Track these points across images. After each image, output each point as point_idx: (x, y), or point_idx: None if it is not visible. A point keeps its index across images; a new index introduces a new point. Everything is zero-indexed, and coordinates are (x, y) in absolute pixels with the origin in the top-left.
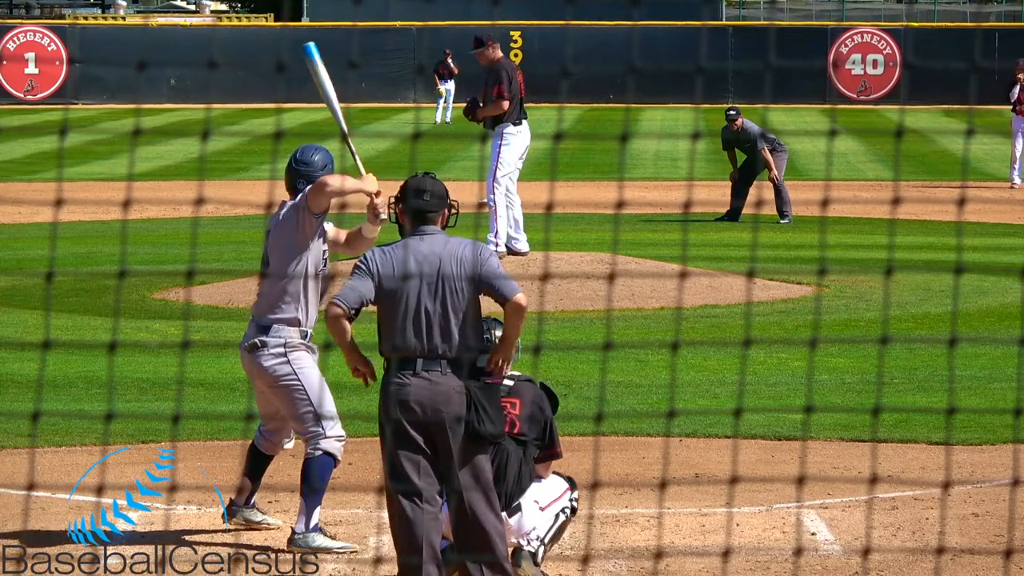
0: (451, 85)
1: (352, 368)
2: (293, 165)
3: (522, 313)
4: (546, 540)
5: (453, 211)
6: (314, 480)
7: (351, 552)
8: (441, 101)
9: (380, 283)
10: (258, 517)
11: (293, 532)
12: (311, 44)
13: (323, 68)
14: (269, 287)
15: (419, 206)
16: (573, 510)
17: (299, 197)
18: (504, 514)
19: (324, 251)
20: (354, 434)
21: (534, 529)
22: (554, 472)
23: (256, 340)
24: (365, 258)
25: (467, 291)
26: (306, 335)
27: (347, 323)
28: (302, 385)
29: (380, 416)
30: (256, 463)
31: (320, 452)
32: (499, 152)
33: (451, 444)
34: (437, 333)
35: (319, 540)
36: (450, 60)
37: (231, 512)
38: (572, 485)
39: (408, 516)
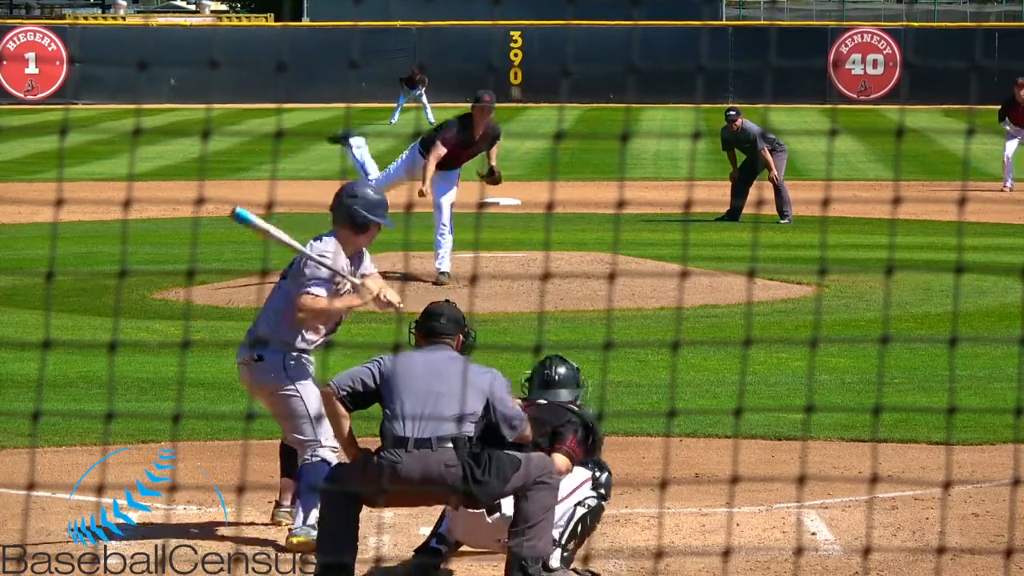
0: (421, 90)
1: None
2: (346, 201)
3: (524, 440)
4: (562, 540)
5: (469, 339)
6: (309, 485)
7: None
8: (426, 102)
9: (384, 382)
10: None
11: (290, 530)
12: (238, 209)
13: (260, 220)
14: (272, 303)
15: (431, 327)
16: (601, 497)
17: (301, 287)
18: (484, 513)
19: (338, 280)
20: None
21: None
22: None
23: (254, 354)
24: (376, 359)
25: (471, 409)
26: (305, 349)
27: (339, 405)
28: (299, 395)
29: (365, 454)
30: (291, 460)
31: (317, 459)
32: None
33: (450, 502)
34: (433, 425)
35: (315, 534)
36: (416, 72)
37: (277, 513)
38: (598, 471)
39: (337, 517)
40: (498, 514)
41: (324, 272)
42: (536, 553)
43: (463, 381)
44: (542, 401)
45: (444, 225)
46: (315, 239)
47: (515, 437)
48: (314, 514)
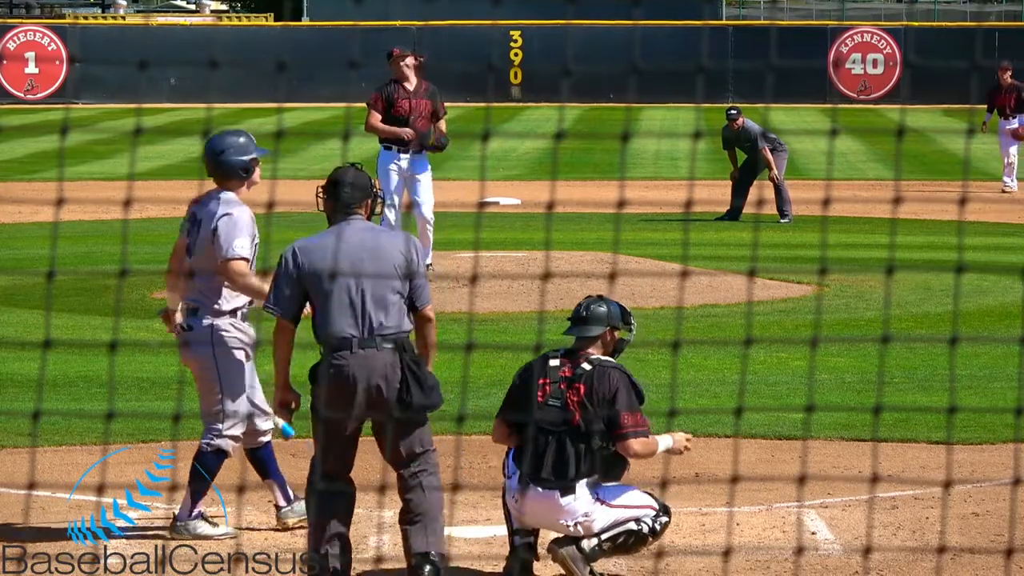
0: None
1: (278, 400)
2: (218, 159)
3: (433, 324)
4: (602, 538)
5: (376, 200)
6: (203, 472)
7: (231, 538)
8: None
9: (307, 278)
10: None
11: (175, 519)
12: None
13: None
14: (196, 269)
15: (340, 198)
16: (652, 531)
17: (221, 251)
18: (557, 493)
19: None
20: None
21: (587, 518)
22: (647, 492)
23: (183, 323)
24: (288, 256)
25: (400, 282)
26: (236, 313)
27: (291, 335)
28: (218, 376)
29: (314, 402)
30: (259, 462)
31: (212, 449)
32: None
33: (391, 415)
34: (371, 317)
35: (200, 527)
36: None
37: (281, 516)
38: (663, 510)
39: (326, 512)
40: (571, 496)
41: (246, 232)
42: (441, 549)
43: (388, 252)
44: (587, 365)
45: (430, 220)
46: (224, 212)
47: (423, 309)
48: (201, 505)
